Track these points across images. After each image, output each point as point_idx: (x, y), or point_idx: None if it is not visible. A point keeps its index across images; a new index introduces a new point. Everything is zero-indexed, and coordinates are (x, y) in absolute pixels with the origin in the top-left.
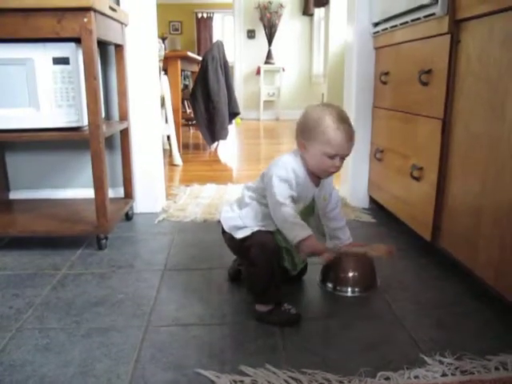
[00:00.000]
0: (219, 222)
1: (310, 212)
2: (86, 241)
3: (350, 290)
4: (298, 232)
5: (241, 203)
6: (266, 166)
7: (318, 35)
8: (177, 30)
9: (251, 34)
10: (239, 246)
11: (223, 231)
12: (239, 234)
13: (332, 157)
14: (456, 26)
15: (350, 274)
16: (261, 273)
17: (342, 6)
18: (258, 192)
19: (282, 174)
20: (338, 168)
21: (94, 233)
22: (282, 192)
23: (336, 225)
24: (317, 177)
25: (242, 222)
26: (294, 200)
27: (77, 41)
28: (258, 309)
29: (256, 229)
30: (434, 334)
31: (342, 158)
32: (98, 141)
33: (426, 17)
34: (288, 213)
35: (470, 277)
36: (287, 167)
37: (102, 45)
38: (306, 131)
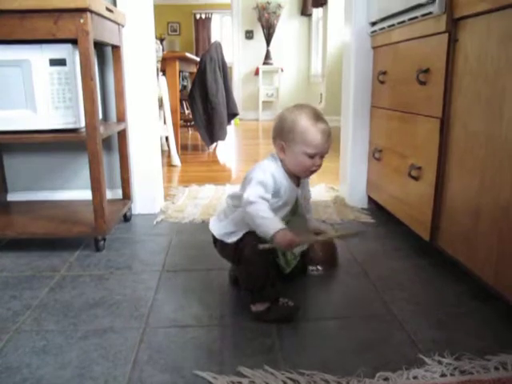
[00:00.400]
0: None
1: (294, 213)
2: (83, 242)
3: (314, 268)
4: (270, 226)
5: (226, 212)
6: None
7: (317, 35)
8: (175, 30)
9: (249, 35)
10: (233, 250)
11: (214, 241)
12: (232, 239)
13: (312, 156)
14: (453, 25)
15: (319, 254)
16: (257, 272)
17: (340, 5)
18: (241, 199)
19: (259, 177)
20: (318, 167)
21: (91, 234)
22: (254, 192)
23: (309, 215)
24: (296, 177)
25: (232, 227)
26: (276, 205)
27: (73, 42)
28: (254, 309)
29: (246, 230)
30: (433, 334)
31: (322, 157)
32: (95, 142)
33: (423, 16)
34: (258, 209)
35: (469, 276)
36: (266, 172)
37: (99, 46)
38: (283, 133)
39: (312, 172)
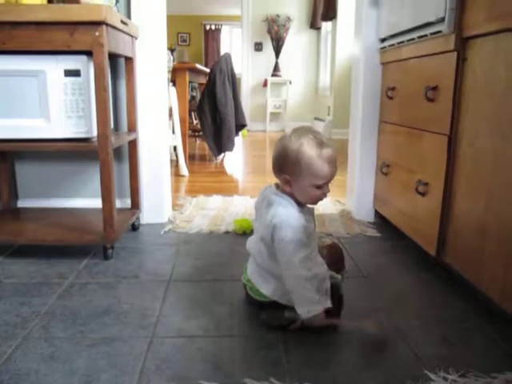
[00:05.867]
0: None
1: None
2: (92, 250)
3: None
4: (318, 304)
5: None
6: (272, 178)
7: (325, 49)
8: (185, 41)
9: (259, 47)
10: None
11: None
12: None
13: (320, 186)
14: (462, 44)
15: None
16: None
17: (349, 20)
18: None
19: (292, 235)
20: (326, 194)
21: (100, 242)
22: (298, 255)
23: None
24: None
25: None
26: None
27: (88, 53)
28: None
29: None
30: (438, 350)
31: (328, 183)
32: (106, 152)
33: (432, 34)
34: (311, 275)
35: (475, 293)
36: (290, 222)
37: (112, 57)
38: (288, 167)
39: (320, 200)
